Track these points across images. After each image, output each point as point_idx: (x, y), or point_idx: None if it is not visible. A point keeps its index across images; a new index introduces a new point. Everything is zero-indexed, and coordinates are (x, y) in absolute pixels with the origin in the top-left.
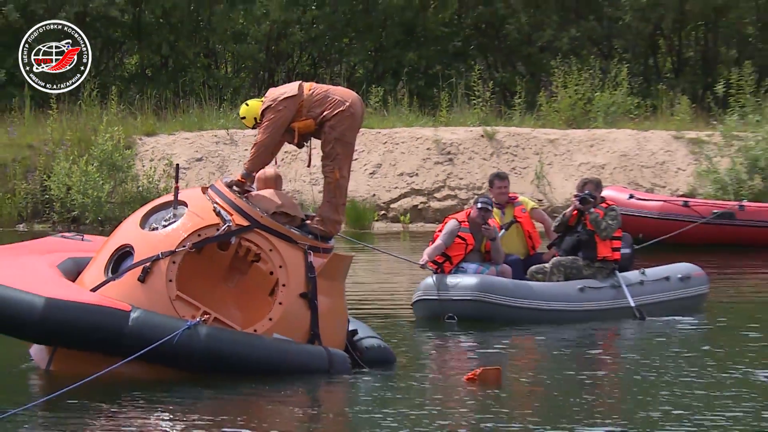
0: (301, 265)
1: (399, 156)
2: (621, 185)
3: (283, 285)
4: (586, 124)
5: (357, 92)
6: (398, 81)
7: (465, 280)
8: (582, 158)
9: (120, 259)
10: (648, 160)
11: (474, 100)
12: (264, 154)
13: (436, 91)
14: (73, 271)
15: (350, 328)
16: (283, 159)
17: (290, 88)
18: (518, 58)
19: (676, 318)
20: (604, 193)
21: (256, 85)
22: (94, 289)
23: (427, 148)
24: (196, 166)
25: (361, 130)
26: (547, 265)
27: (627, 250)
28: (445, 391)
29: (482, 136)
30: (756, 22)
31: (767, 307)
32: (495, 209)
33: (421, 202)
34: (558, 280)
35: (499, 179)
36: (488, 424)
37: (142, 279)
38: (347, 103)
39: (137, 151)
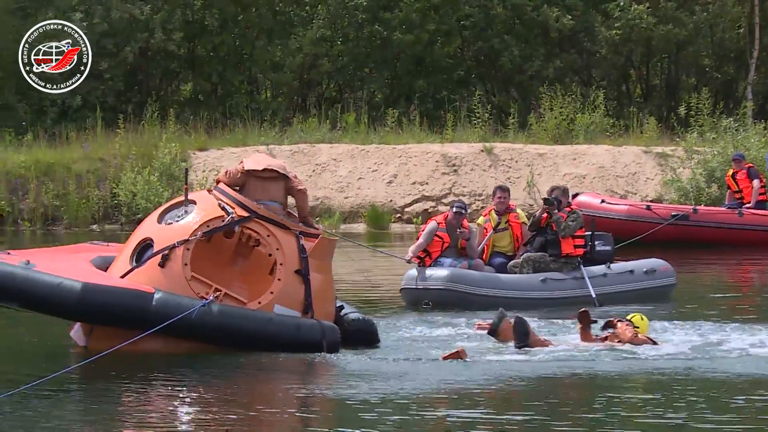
0: (295, 247)
1: (412, 168)
2: (596, 192)
3: (281, 264)
4: (570, 141)
5: (375, 114)
6: (411, 104)
7: (438, 272)
8: (566, 169)
9: (142, 251)
10: (622, 171)
11: (475, 120)
12: None
13: (442, 113)
14: (102, 265)
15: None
16: (314, 170)
17: None
18: (512, 85)
19: (637, 306)
20: (581, 198)
21: (291, 108)
22: (122, 277)
23: (436, 161)
24: None
25: (379, 145)
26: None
27: (608, 248)
28: (422, 364)
29: (482, 150)
30: (711, 54)
31: (725, 297)
32: (493, 214)
33: (430, 207)
34: (527, 273)
35: (500, 190)
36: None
37: (162, 264)
38: None
39: (191, 164)
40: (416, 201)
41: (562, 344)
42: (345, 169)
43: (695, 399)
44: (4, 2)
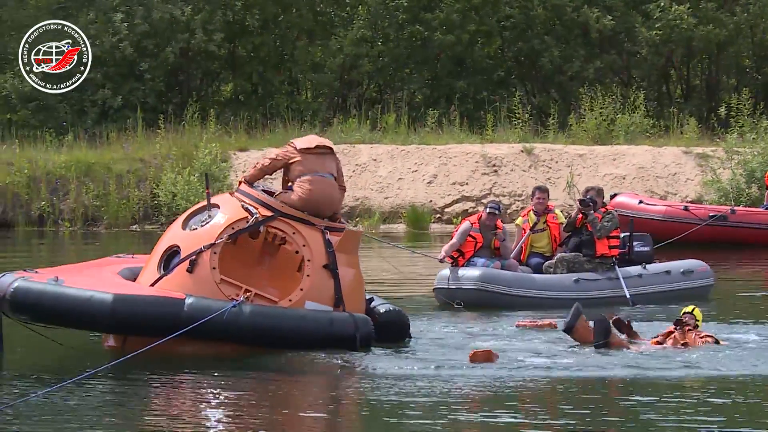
0: (321, 242)
1: (452, 168)
2: (635, 192)
3: (308, 260)
4: (610, 141)
5: (415, 115)
6: (451, 105)
7: (470, 272)
8: (606, 170)
9: (169, 258)
10: (662, 172)
11: (515, 121)
12: None
13: (482, 113)
14: (129, 277)
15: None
16: (354, 171)
17: None
18: (552, 85)
19: (671, 306)
20: (619, 198)
21: (331, 108)
22: (151, 285)
23: (476, 162)
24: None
25: (419, 145)
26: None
27: (647, 248)
28: (452, 365)
29: (522, 151)
30: (752, 55)
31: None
32: (531, 215)
33: (470, 207)
34: (561, 273)
35: (539, 191)
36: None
37: (190, 270)
38: None
39: (232, 164)
40: (456, 201)
41: (633, 346)
42: (385, 169)
43: None
44: (46, 2)
